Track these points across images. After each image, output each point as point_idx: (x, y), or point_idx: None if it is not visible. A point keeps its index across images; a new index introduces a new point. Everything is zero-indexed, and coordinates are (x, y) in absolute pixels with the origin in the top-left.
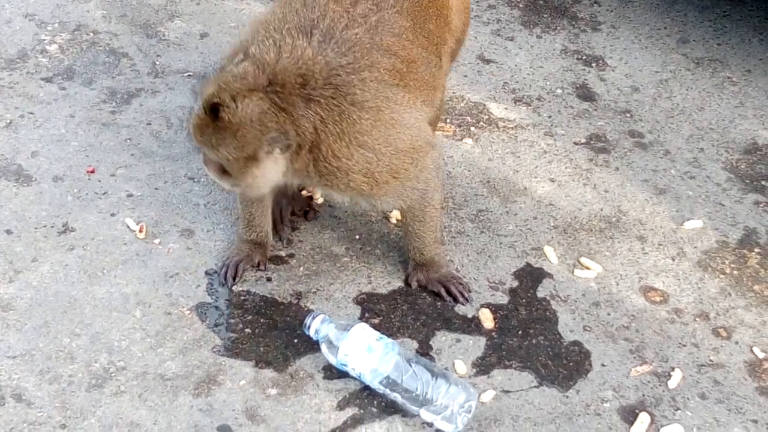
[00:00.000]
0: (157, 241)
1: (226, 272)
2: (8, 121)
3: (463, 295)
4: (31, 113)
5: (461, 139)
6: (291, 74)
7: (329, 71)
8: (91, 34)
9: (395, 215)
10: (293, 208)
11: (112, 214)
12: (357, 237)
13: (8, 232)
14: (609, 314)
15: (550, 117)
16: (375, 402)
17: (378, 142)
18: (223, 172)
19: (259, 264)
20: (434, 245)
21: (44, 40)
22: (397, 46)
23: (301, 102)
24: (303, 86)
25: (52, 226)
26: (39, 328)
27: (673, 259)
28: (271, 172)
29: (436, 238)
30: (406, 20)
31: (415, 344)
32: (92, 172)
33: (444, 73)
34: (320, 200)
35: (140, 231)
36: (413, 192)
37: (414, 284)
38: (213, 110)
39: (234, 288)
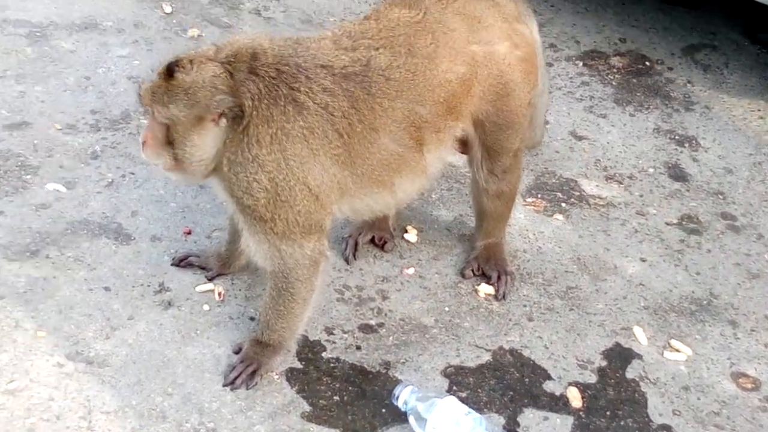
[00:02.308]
0: (249, 305)
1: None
2: (110, 181)
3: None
4: (132, 173)
5: (552, 215)
6: (245, 49)
7: (280, 58)
8: None
9: (483, 289)
10: (374, 237)
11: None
12: (446, 309)
13: (107, 289)
14: (699, 399)
15: (641, 196)
16: None
17: (295, 158)
18: (166, 142)
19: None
20: (281, 330)
21: None
22: (363, 103)
23: (246, 70)
24: (252, 59)
25: (149, 285)
26: (133, 385)
27: (766, 346)
28: (209, 143)
29: (287, 326)
30: (390, 88)
31: (502, 420)
32: (189, 233)
33: (424, 160)
34: (411, 270)
35: (218, 296)
36: (279, 257)
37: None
38: (169, 70)
39: (323, 355)
